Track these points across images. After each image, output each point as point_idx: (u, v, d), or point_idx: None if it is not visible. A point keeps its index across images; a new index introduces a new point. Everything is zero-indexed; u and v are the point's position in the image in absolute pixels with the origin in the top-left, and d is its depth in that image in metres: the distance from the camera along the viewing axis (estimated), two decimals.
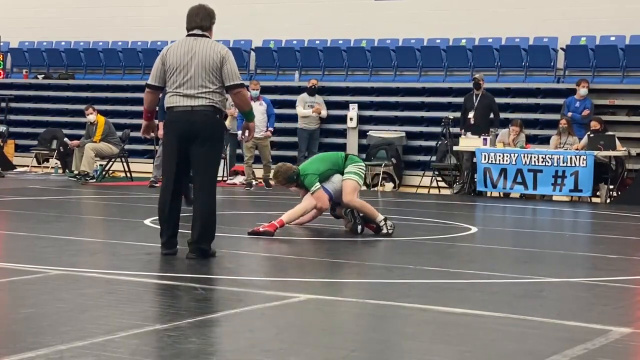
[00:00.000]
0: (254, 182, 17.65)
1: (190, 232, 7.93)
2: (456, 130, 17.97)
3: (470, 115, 17.54)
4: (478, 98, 17.59)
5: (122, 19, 23.13)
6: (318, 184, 10.11)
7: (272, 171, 10.50)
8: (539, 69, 19.52)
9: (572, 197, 16.60)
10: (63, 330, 5.01)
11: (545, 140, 17.68)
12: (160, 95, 8.60)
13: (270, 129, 17.79)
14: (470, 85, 17.89)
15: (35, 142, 21.81)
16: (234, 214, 12.89)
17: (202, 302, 6.09)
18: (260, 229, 9.59)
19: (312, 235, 10.10)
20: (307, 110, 19.43)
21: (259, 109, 17.51)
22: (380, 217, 10.10)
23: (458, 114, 18.04)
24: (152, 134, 8.53)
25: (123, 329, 5.03)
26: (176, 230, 7.99)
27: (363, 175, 10.47)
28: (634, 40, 18.88)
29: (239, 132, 17.71)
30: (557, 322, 5.63)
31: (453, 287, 7.03)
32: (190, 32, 7.94)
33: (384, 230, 10.00)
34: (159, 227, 8.09)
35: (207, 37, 7.94)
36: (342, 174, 10.26)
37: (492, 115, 17.57)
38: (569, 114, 17.39)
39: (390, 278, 7.37)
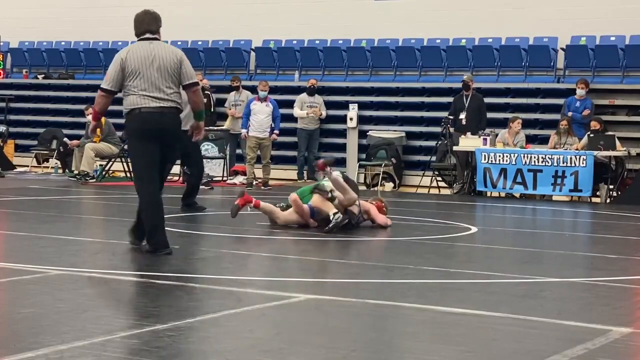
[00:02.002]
0: (253, 182, 17.66)
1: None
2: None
3: (462, 116, 17.62)
4: (468, 99, 17.66)
5: (122, 19, 23.09)
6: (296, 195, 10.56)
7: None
8: (539, 69, 19.52)
9: (572, 197, 16.60)
10: (63, 330, 5.01)
11: (545, 140, 17.67)
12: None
13: (276, 131, 17.78)
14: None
15: (35, 142, 21.80)
16: None
17: (202, 302, 6.09)
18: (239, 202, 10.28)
19: (312, 235, 10.10)
20: (303, 111, 19.44)
21: (265, 110, 17.53)
22: (332, 211, 10.19)
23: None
24: (99, 134, 8.71)
25: (123, 329, 5.03)
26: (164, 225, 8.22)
27: (326, 183, 10.48)
28: (634, 40, 18.88)
29: (243, 131, 17.76)
30: (557, 322, 5.64)
31: (453, 287, 7.03)
32: (141, 37, 8.22)
33: (332, 222, 10.08)
34: (151, 225, 8.07)
35: (159, 39, 8.24)
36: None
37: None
38: (569, 113, 17.40)
39: (390, 278, 7.37)
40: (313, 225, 10.41)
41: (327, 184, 10.40)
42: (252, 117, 17.59)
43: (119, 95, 8.32)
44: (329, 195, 10.28)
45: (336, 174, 10.46)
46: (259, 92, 17.70)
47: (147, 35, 8.20)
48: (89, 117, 18.28)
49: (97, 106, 8.33)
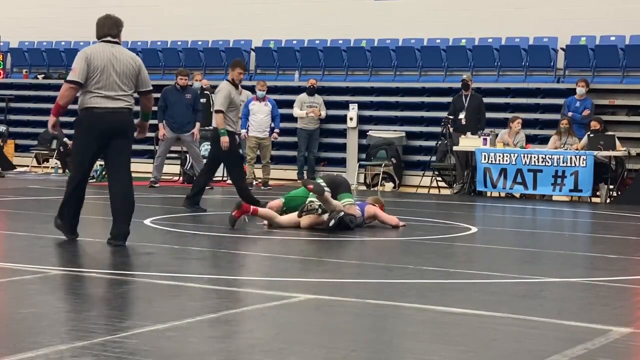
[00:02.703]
0: (253, 182, 17.66)
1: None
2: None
3: (461, 116, 17.63)
4: (467, 99, 17.68)
5: (122, 19, 23.11)
6: (282, 198, 10.81)
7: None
8: (539, 69, 19.52)
9: (572, 197, 16.60)
10: (63, 330, 5.01)
11: (545, 140, 17.67)
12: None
13: (277, 130, 17.78)
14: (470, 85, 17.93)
15: (35, 142, 21.81)
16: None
17: (202, 302, 6.09)
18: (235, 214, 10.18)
19: (311, 235, 10.10)
20: (303, 111, 19.44)
21: (264, 110, 17.54)
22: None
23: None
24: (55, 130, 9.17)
25: (123, 329, 5.03)
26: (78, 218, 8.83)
27: (314, 198, 10.44)
28: (634, 40, 18.88)
29: (243, 131, 17.74)
30: (557, 322, 5.64)
31: (453, 287, 7.03)
32: (102, 40, 8.69)
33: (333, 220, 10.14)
34: (69, 210, 8.71)
35: (119, 43, 8.73)
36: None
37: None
38: (570, 113, 17.40)
39: (390, 278, 7.37)
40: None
41: (315, 201, 10.32)
42: (251, 117, 17.60)
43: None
44: (319, 211, 10.28)
45: (317, 188, 10.33)
46: (257, 92, 17.71)
47: (108, 39, 8.67)
48: None
49: (62, 100, 8.61)
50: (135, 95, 8.78)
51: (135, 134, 8.93)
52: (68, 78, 8.60)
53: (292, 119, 19.83)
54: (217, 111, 12.39)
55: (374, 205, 10.91)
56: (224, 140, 12.19)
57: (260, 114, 17.51)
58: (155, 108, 18.46)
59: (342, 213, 10.21)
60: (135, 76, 8.63)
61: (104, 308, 5.80)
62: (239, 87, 19.45)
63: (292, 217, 10.44)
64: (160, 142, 17.24)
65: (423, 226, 11.45)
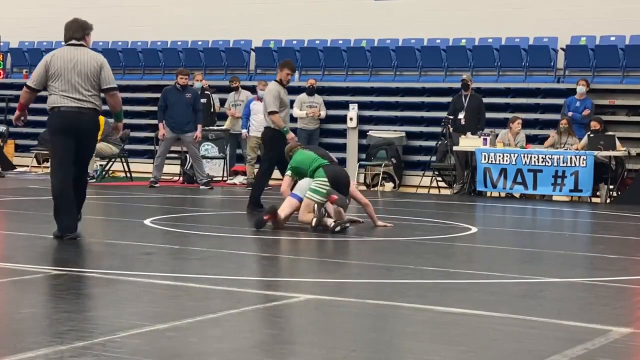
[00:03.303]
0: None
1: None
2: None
3: (461, 116, 17.64)
4: (467, 99, 17.68)
5: (122, 19, 23.12)
6: (289, 172, 10.93)
7: None
8: (539, 69, 19.51)
9: (572, 197, 16.60)
10: (63, 330, 5.01)
11: (545, 141, 17.67)
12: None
13: None
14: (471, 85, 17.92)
15: (35, 142, 21.80)
16: (233, 214, 12.90)
17: (202, 302, 6.09)
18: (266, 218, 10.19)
19: (311, 235, 10.10)
20: (302, 111, 19.44)
21: (263, 110, 17.46)
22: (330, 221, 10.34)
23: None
24: (22, 121, 9.81)
25: (123, 329, 5.03)
26: (76, 213, 9.07)
27: (323, 190, 10.45)
28: (634, 40, 18.87)
29: (244, 131, 17.72)
30: (557, 322, 5.64)
31: (453, 287, 7.04)
32: (68, 42, 9.07)
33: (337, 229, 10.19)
34: (59, 212, 8.98)
35: (85, 46, 9.10)
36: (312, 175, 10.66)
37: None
38: (570, 113, 17.40)
39: (390, 278, 7.37)
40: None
41: (316, 197, 10.40)
42: (252, 116, 17.60)
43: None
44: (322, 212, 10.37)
45: (341, 202, 10.37)
46: (258, 92, 17.71)
47: (73, 42, 9.06)
48: None
49: (22, 99, 9.43)
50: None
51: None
52: (26, 82, 9.18)
53: (292, 119, 19.81)
54: (272, 112, 12.52)
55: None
56: (290, 137, 12.39)
57: (261, 114, 17.43)
58: (155, 108, 18.61)
59: (348, 225, 10.34)
60: (97, 75, 8.92)
61: (104, 308, 5.80)
62: (238, 87, 19.61)
63: (291, 203, 10.48)
64: (160, 142, 17.24)
65: (423, 226, 11.46)
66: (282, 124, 12.46)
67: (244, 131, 17.77)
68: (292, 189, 10.77)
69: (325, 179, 10.56)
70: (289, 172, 10.98)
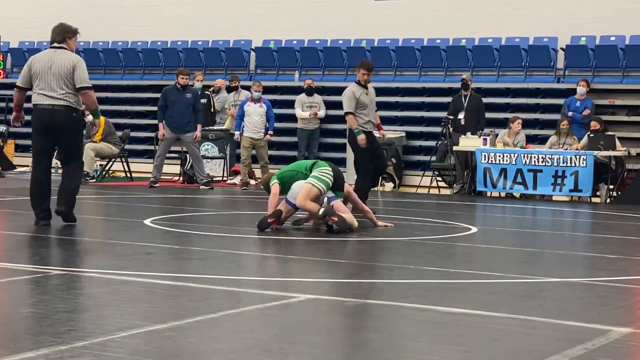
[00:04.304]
0: (252, 182, 17.65)
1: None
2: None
3: (461, 116, 17.64)
4: (467, 99, 17.69)
5: (121, 19, 23.13)
6: (275, 181, 10.54)
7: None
8: (539, 69, 19.52)
9: (572, 197, 16.60)
10: (63, 330, 5.01)
11: (545, 140, 17.67)
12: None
13: (270, 131, 17.70)
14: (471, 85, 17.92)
15: None
16: (233, 214, 12.90)
17: (202, 302, 6.09)
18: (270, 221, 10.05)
19: (311, 235, 10.10)
20: (305, 112, 19.44)
21: (259, 111, 17.44)
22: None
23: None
24: (20, 121, 10.38)
25: (123, 329, 5.02)
26: (48, 202, 9.76)
27: (327, 179, 10.44)
28: (634, 40, 18.88)
29: (237, 133, 17.71)
30: (557, 322, 5.64)
31: (453, 287, 7.03)
32: (51, 45, 9.99)
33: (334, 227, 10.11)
34: (35, 201, 9.73)
35: (65, 48, 9.94)
36: (309, 173, 10.54)
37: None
38: (570, 113, 17.40)
39: (390, 278, 7.37)
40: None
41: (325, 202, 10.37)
42: (246, 118, 17.47)
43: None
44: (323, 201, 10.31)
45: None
46: (253, 93, 17.63)
47: (55, 45, 9.97)
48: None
49: (14, 100, 10.27)
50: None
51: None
52: (16, 82, 10.04)
53: (291, 119, 19.83)
54: (346, 113, 12.45)
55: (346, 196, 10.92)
56: (361, 138, 12.29)
57: (255, 116, 17.37)
58: (155, 108, 18.61)
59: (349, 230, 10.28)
60: (70, 75, 9.70)
61: (104, 308, 5.80)
62: (238, 87, 19.58)
63: (286, 209, 10.42)
64: (160, 142, 17.23)
65: (423, 226, 11.45)
66: (355, 124, 12.35)
67: (237, 133, 17.70)
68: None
69: (330, 169, 10.54)
70: (275, 180, 10.62)
